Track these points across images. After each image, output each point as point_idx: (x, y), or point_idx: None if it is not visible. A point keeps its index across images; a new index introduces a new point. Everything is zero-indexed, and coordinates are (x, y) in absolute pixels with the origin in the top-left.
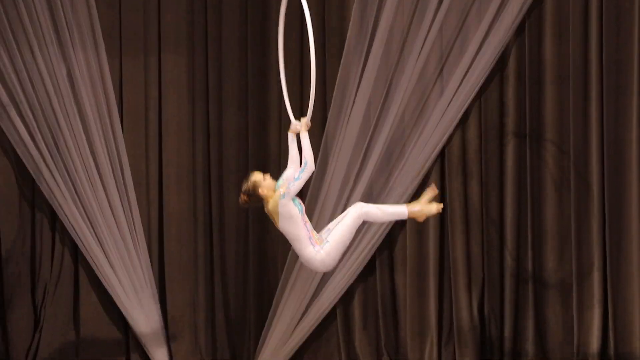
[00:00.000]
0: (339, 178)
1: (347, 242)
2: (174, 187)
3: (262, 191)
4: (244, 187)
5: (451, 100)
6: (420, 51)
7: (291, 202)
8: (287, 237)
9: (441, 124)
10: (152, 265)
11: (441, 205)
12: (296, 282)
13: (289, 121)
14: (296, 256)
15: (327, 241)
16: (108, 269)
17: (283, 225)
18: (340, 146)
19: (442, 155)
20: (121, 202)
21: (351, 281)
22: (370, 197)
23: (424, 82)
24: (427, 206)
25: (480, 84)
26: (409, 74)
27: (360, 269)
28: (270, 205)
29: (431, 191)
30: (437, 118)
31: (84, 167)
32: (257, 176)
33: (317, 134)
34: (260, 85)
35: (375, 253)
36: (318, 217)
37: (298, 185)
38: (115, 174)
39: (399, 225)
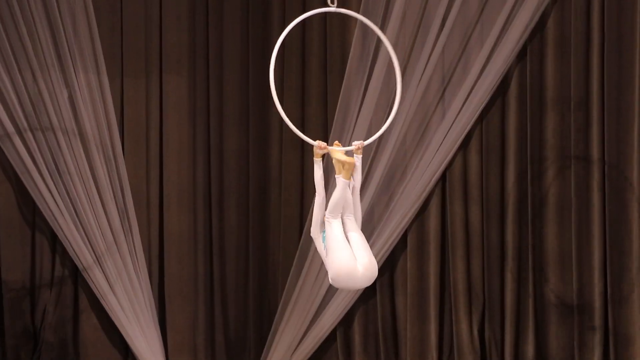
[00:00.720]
0: None
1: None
2: (175, 208)
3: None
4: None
5: (453, 123)
6: (422, 74)
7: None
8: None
9: (443, 147)
10: (152, 286)
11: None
12: (296, 303)
13: (290, 142)
14: (297, 277)
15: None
16: (108, 291)
17: (314, 233)
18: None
19: (443, 178)
20: (121, 224)
21: (352, 303)
22: (370, 220)
23: (425, 105)
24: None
25: (482, 107)
26: (411, 97)
27: (360, 292)
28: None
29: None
30: (439, 141)
31: (85, 188)
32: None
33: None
34: (261, 104)
35: None
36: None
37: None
38: (116, 194)
39: (400, 248)
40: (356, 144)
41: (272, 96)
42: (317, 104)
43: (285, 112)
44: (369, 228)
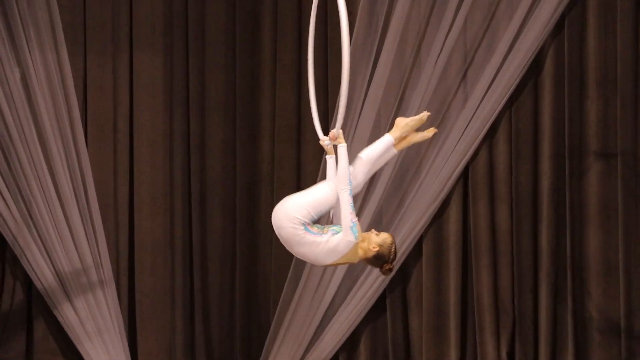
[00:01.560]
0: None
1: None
2: (148, 210)
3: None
4: (391, 256)
5: (476, 109)
6: (441, 51)
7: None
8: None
9: (464, 138)
10: (120, 302)
11: (432, 130)
12: (292, 323)
13: (284, 132)
14: (292, 291)
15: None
16: (68, 309)
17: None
18: None
19: (465, 175)
20: (84, 228)
21: (357, 323)
22: (379, 224)
23: (444, 87)
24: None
25: (511, 91)
26: (427, 79)
27: (368, 308)
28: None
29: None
30: (460, 131)
31: (40, 186)
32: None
33: (315, 149)
34: (250, 89)
35: (385, 290)
36: None
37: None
38: (78, 194)
39: (413, 258)
40: (332, 133)
41: (265, 78)
42: (316, 88)
43: (278, 97)
44: None
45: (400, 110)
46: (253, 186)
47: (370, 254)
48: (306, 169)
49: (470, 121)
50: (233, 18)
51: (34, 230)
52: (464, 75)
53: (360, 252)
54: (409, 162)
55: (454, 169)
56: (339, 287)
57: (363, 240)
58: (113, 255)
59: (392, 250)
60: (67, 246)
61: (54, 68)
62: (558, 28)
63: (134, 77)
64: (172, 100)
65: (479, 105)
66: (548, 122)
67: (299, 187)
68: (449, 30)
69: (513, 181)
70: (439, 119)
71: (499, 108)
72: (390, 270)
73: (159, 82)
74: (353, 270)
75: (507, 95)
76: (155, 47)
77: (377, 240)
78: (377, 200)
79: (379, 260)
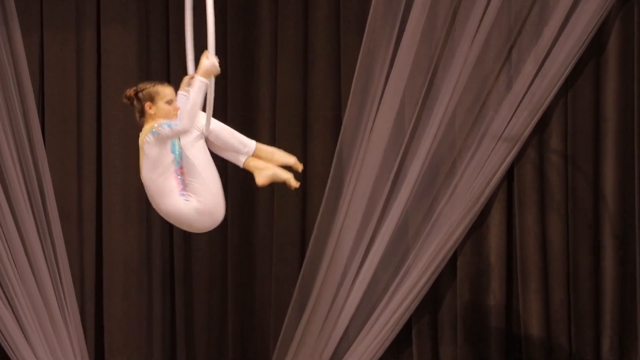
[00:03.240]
0: (359, 208)
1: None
2: (119, 219)
3: (148, 108)
4: (142, 86)
5: (523, 96)
6: (479, 25)
7: (165, 147)
8: (149, 193)
9: (508, 131)
10: (85, 332)
11: (295, 183)
12: (296, 357)
13: (286, 126)
14: (296, 319)
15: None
16: (21, 341)
17: (146, 173)
18: (361, 162)
19: (509, 176)
20: (41, 242)
21: (378, 356)
22: (404, 235)
23: (483, 70)
24: (278, 170)
25: (566, 74)
26: (462, 58)
27: (390, 341)
28: (140, 136)
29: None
30: (503, 123)
31: None
32: (162, 89)
33: (327, 142)
34: (244, 73)
35: (411, 317)
36: (329, 263)
37: (169, 132)
38: (33, 199)
39: (446, 278)
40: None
41: (263, 58)
42: (326, 70)
43: (279, 81)
44: (401, 247)
45: (428, 98)
46: (248, 190)
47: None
48: (313, 170)
49: (515, 111)
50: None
51: None
52: (508, 55)
53: (145, 126)
54: (440, 160)
55: (495, 170)
56: (354, 315)
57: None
58: (77, 275)
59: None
60: (20, 265)
61: (2, 46)
62: None
63: (102, 57)
64: None
65: (527, 91)
66: (613, 113)
67: (304, 191)
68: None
69: (569, 185)
70: (476, 108)
71: (552, 96)
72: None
73: (132, 64)
74: (372, 293)
75: (562, 80)
76: (128, 21)
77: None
78: (401, 206)
79: (140, 99)
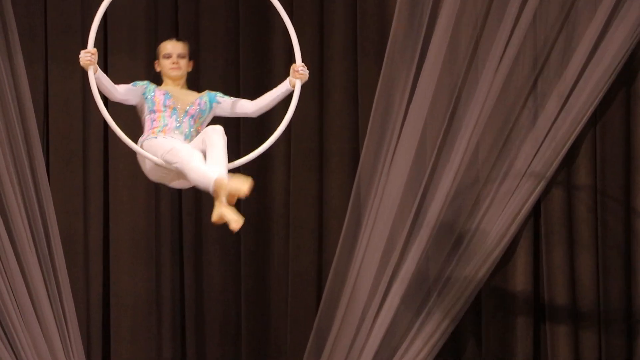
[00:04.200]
0: (378, 246)
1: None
2: (127, 260)
3: (156, 66)
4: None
5: (550, 128)
6: (503, 54)
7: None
8: None
9: (535, 165)
10: None
11: (238, 221)
12: None
13: (299, 159)
14: None
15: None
16: None
17: None
18: (380, 197)
19: (536, 214)
20: (45, 283)
21: None
22: (425, 278)
23: (507, 101)
24: (226, 209)
25: (595, 104)
26: (485, 89)
27: None
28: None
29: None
30: (529, 156)
31: None
32: (164, 44)
33: (344, 176)
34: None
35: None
36: (347, 305)
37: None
38: (37, 238)
39: (470, 320)
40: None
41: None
42: (343, 98)
43: (294, 112)
44: (422, 289)
45: (450, 131)
46: (262, 225)
47: None
48: (329, 206)
49: (542, 144)
50: (236, 11)
51: None
52: (534, 84)
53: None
54: (462, 197)
55: (521, 206)
56: None
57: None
58: (82, 318)
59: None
60: (23, 306)
61: (6, 79)
62: None
63: None
64: None
65: (553, 123)
66: None
67: (320, 228)
68: (514, 26)
69: (599, 222)
70: (501, 141)
71: (580, 127)
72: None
73: None
74: (391, 338)
75: (590, 111)
76: (136, 49)
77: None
78: (423, 244)
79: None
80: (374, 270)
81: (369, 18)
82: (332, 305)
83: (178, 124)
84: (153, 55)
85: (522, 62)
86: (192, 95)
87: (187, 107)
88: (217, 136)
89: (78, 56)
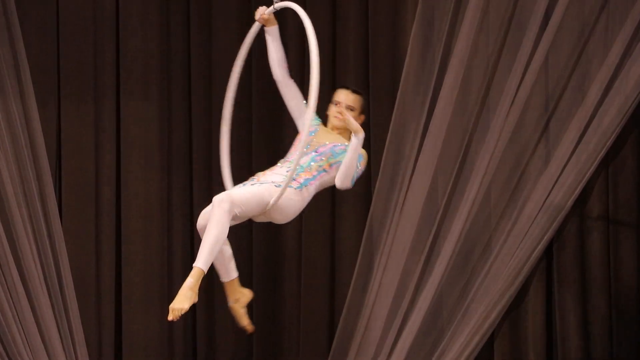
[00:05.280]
0: (390, 288)
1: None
2: (139, 302)
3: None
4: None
5: (562, 170)
6: (515, 96)
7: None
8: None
9: (547, 207)
10: None
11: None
12: None
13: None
14: None
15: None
16: None
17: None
18: (392, 239)
19: (548, 255)
20: (58, 326)
21: None
22: (437, 319)
23: (519, 143)
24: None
25: (608, 146)
26: (497, 131)
27: None
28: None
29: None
30: (541, 198)
31: (0, 272)
32: (337, 91)
33: (357, 218)
34: (269, 143)
35: None
36: (360, 343)
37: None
38: (49, 281)
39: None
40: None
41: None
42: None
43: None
44: (435, 329)
45: (462, 172)
46: (274, 269)
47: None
48: (342, 247)
49: (554, 186)
50: (249, 55)
51: None
52: (546, 127)
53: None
54: (475, 237)
55: (533, 249)
56: None
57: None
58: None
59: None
60: (35, 349)
61: (18, 119)
62: None
63: (121, 131)
64: (169, 160)
65: (565, 165)
66: None
67: (333, 269)
68: (526, 68)
69: (611, 265)
70: (513, 182)
71: (592, 170)
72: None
73: (153, 138)
74: None
75: (603, 153)
76: (149, 93)
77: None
78: (435, 285)
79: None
80: (386, 310)
81: (380, 60)
82: (344, 346)
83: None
84: (167, 97)
85: (534, 104)
86: (335, 139)
87: (319, 146)
88: (212, 219)
89: (89, 97)
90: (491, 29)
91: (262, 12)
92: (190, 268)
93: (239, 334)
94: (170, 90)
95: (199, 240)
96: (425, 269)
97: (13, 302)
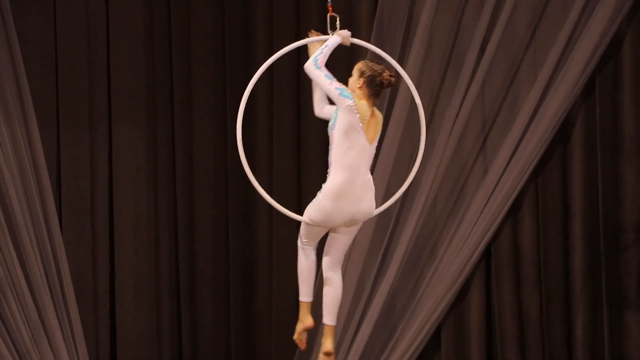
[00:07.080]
0: (350, 285)
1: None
2: (131, 303)
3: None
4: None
5: (498, 182)
6: (456, 117)
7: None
8: None
9: (485, 214)
10: None
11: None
12: None
13: (282, 215)
14: None
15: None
16: None
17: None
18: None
19: (487, 255)
20: (60, 324)
21: None
22: (392, 311)
23: (460, 158)
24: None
25: (536, 161)
26: (441, 148)
27: None
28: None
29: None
30: (480, 206)
31: (9, 277)
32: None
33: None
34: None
35: None
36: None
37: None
38: (52, 285)
39: (431, 350)
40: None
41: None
42: (315, 157)
43: (275, 169)
44: (389, 322)
45: (412, 183)
46: (249, 272)
47: (366, 86)
48: None
49: (490, 196)
50: (223, 85)
51: (2, 327)
52: (483, 144)
53: (363, 98)
54: (423, 242)
55: (474, 250)
56: None
57: (354, 91)
58: (92, 354)
59: (371, 64)
60: (41, 345)
61: (23, 144)
62: (588, 89)
63: (113, 153)
64: (156, 179)
65: (500, 177)
66: (579, 196)
67: None
68: (466, 93)
69: (541, 262)
70: (455, 193)
71: (523, 181)
72: (392, 76)
73: (141, 159)
74: None
75: (532, 167)
76: (137, 119)
77: (357, 75)
78: (389, 284)
79: (374, 82)
80: (347, 307)
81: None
82: (311, 338)
83: None
84: (153, 122)
85: (473, 124)
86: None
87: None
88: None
89: (85, 123)
90: (434, 61)
91: (348, 37)
92: (176, 273)
93: (219, 327)
94: (156, 117)
95: (184, 247)
96: (382, 267)
97: (21, 305)
